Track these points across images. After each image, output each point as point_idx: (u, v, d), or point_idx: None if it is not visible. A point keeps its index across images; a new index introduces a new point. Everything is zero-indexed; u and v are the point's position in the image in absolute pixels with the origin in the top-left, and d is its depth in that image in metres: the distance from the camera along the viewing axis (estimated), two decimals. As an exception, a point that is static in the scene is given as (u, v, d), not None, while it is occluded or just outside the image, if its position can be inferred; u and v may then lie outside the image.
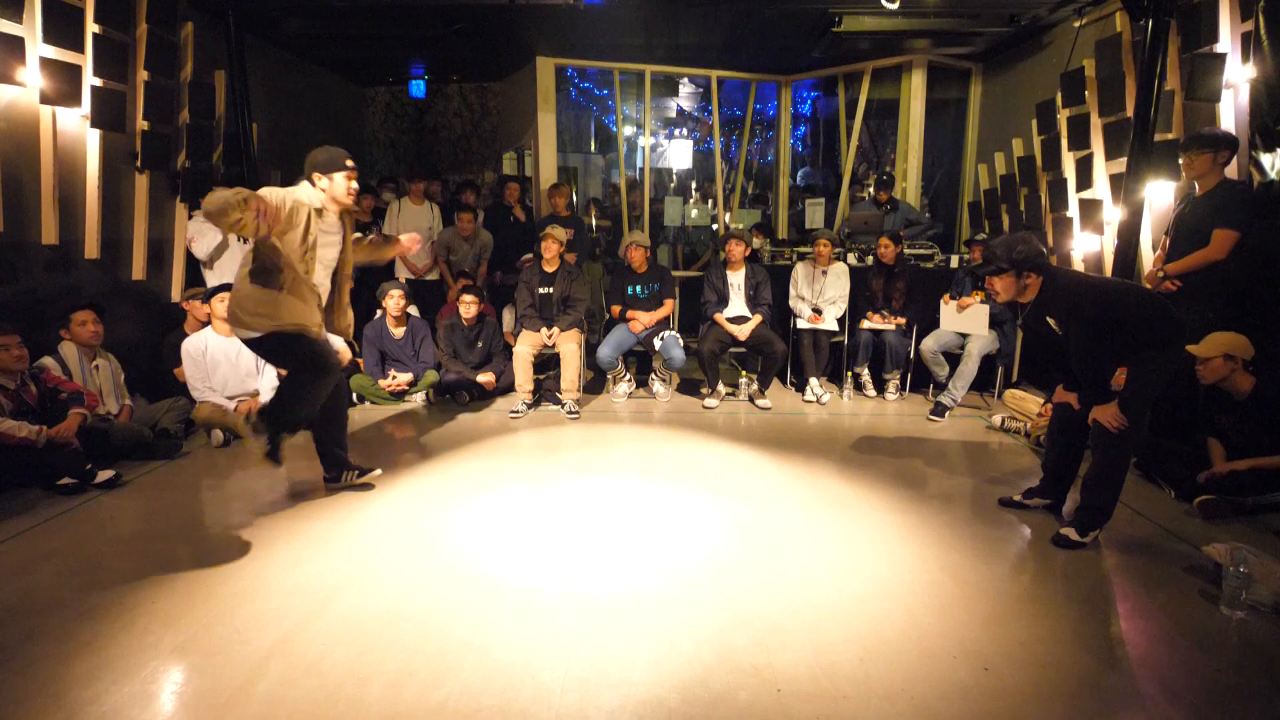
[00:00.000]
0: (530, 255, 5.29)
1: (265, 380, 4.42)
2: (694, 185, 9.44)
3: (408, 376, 5.05)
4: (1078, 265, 4.97)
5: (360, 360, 5.10)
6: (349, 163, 3.03)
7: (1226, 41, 3.87)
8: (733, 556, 2.79)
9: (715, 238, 7.73)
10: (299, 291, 2.97)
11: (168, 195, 4.93)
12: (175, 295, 4.97)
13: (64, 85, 3.95)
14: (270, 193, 2.78)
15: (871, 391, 5.30)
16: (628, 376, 5.36)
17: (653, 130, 8.78)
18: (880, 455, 4.04)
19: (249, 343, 3.03)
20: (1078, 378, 3.01)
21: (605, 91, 9.04)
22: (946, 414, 4.73)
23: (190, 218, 4.96)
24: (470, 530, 3.03)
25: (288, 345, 3.00)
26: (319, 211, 3.01)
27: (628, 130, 8.82)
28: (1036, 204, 5.63)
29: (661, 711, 1.90)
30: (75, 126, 4.16)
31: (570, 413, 4.76)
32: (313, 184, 3.02)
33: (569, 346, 4.86)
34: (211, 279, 4.86)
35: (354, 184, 3.07)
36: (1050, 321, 2.89)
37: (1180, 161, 3.77)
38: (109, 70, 4.25)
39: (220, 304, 4.29)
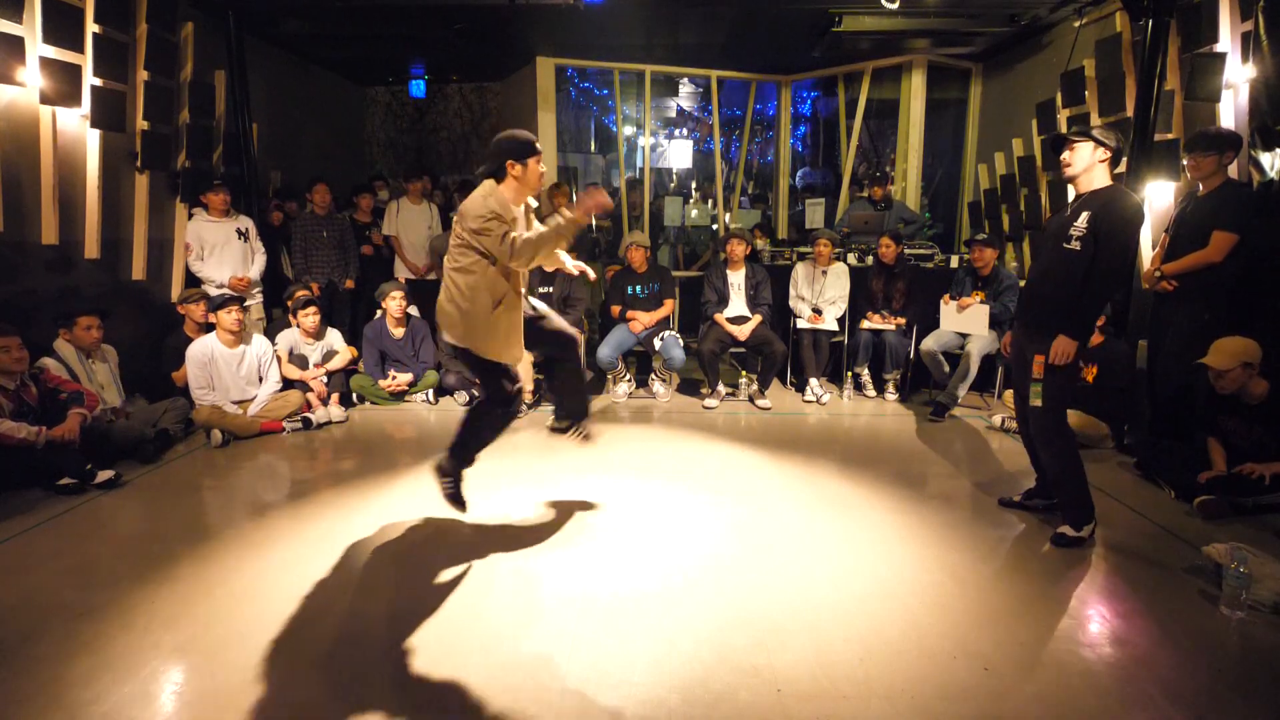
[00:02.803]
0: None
1: (266, 388, 4.45)
2: (694, 185, 9.44)
3: (408, 377, 5.04)
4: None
5: (360, 360, 5.10)
6: (539, 145, 2.72)
7: (1226, 41, 3.87)
8: (733, 556, 2.79)
9: (715, 238, 7.73)
10: (514, 305, 2.75)
11: (168, 195, 4.93)
12: (175, 296, 4.97)
13: (64, 85, 3.95)
14: (481, 211, 2.55)
15: (871, 391, 5.30)
16: (628, 376, 5.36)
17: (653, 130, 8.77)
18: (880, 455, 4.04)
19: (457, 349, 2.79)
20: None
21: (605, 91, 9.04)
22: (946, 414, 4.73)
23: (190, 218, 4.96)
24: (470, 530, 3.03)
25: (491, 365, 2.77)
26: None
27: (628, 130, 8.82)
28: (1036, 204, 5.63)
29: (661, 711, 1.90)
30: (75, 126, 4.16)
31: (570, 413, 4.75)
32: (506, 173, 2.67)
33: (569, 346, 4.84)
34: (206, 269, 4.84)
35: (542, 166, 2.74)
36: (1084, 216, 2.72)
37: (1185, 163, 3.76)
38: (109, 70, 4.25)
39: (228, 316, 4.26)
